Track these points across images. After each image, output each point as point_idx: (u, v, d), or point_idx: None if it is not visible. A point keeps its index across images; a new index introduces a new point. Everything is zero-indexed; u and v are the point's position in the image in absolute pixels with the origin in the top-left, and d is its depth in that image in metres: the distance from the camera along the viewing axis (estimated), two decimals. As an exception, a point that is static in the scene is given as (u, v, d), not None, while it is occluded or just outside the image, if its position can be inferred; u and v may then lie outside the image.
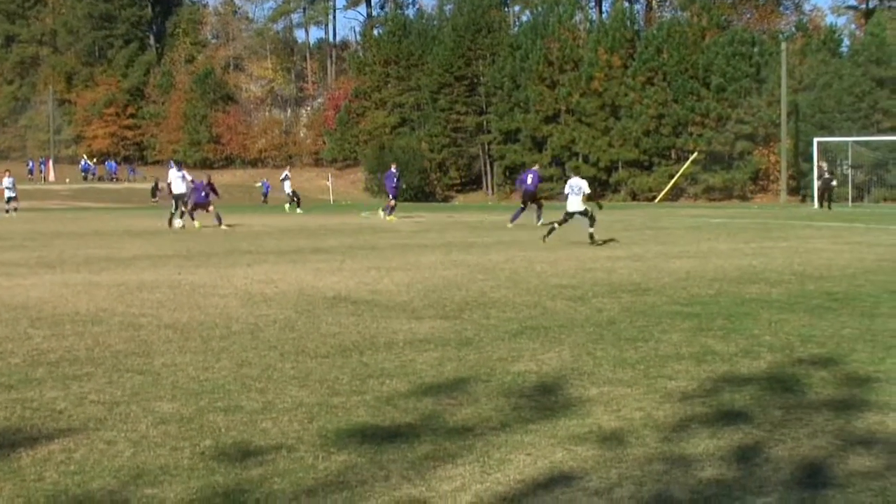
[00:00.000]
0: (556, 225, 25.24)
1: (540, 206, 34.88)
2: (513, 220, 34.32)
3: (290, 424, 6.95)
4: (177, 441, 6.54)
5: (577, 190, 25.02)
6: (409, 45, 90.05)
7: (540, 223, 32.67)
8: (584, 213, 24.93)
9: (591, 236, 24.60)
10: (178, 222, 32.12)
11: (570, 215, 25.10)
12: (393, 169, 42.27)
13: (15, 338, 10.53)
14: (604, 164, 75.89)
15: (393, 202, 40.12)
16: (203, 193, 31.91)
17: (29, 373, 8.75)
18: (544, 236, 25.18)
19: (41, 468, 6.00)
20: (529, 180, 35.12)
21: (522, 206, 35.34)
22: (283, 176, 51.94)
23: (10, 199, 45.84)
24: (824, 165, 52.84)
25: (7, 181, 46.86)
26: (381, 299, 13.67)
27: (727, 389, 7.98)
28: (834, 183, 52.66)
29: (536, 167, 40.60)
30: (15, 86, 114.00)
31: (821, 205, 50.68)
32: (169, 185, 33.31)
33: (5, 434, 6.77)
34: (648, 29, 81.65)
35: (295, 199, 49.70)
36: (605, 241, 24.98)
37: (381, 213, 40.28)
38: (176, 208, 32.31)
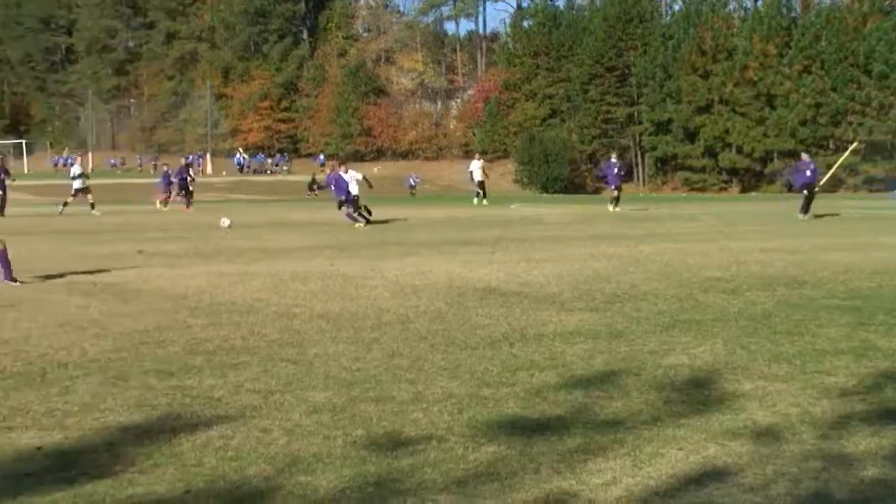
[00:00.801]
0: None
1: (810, 198, 33.13)
2: (804, 211, 32.76)
3: (441, 415, 6.98)
4: (329, 430, 6.63)
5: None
6: (559, 35, 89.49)
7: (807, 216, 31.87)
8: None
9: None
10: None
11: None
12: (613, 158, 42.07)
13: (175, 327, 10.81)
14: (758, 155, 74.37)
15: (616, 192, 39.74)
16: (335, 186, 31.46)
17: (188, 361, 8.97)
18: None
19: (200, 454, 6.15)
20: (809, 172, 33.53)
21: (809, 196, 33.30)
22: (471, 166, 50.67)
23: (76, 192, 40.10)
24: None
25: (75, 169, 42.72)
26: (530, 291, 13.65)
27: (890, 386, 7.76)
28: None
29: None
30: (175, 81, 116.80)
31: None
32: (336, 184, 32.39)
33: (166, 420, 6.96)
34: (805, 16, 79.58)
35: (480, 191, 48.54)
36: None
37: (611, 207, 39.37)
38: (355, 209, 30.93)
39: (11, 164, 61.23)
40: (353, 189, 29.77)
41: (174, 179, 45.08)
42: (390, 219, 33.08)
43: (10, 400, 7.59)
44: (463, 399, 7.44)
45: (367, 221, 29.73)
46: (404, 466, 5.87)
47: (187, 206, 42.44)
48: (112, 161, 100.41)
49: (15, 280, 14.66)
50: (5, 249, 14.76)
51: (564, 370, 8.47)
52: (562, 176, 78.76)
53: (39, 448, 6.34)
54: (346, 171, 30.35)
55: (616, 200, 39.47)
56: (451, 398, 7.47)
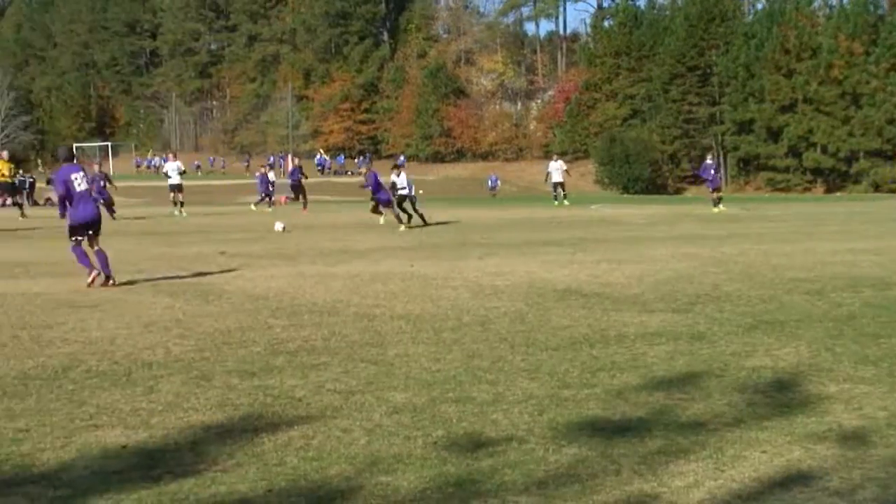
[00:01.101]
0: None
1: None
2: None
3: (521, 416, 6.97)
4: (410, 430, 6.65)
5: None
6: (640, 35, 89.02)
7: None
8: None
9: None
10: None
11: None
12: (709, 160, 41.85)
13: (257, 327, 10.91)
14: (843, 155, 73.37)
15: (715, 194, 39.47)
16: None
17: (270, 361, 9.05)
18: None
19: (282, 453, 6.20)
20: None
21: None
22: (549, 167, 50.25)
23: (173, 189, 40.35)
24: None
25: (171, 166, 41.95)
26: (611, 292, 13.57)
27: (979, 389, 7.60)
28: None
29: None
30: (257, 83, 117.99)
31: None
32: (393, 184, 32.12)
33: (249, 419, 7.02)
34: (892, 13, 78.30)
35: (560, 192, 48.16)
36: None
37: (715, 208, 39.09)
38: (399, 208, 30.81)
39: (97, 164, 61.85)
40: (404, 190, 29.65)
41: (288, 180, 45.05)
42: (470, 220, 33.10)
43: (97, 399, 7.71)
44: (543, 400, 7.42)
45: (401, 222, 29.33)
46: (484, 467, 5.86)
47: (304, 208, 42.04)
48: (196, 163, 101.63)
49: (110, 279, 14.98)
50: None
51: (646, 371, 8.41)
52: (643, 176, 78.35)
53: (125, 446, 6.43)
54: (399, 175, 30.08)
55: (718, 201, 39.17)
56: (531, 399, 7.46)
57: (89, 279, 14.77)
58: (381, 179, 30.29)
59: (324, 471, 5.87)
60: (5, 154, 39.32)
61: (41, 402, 7.65)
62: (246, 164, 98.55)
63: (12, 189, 37.62)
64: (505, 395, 7.60)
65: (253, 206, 43.04)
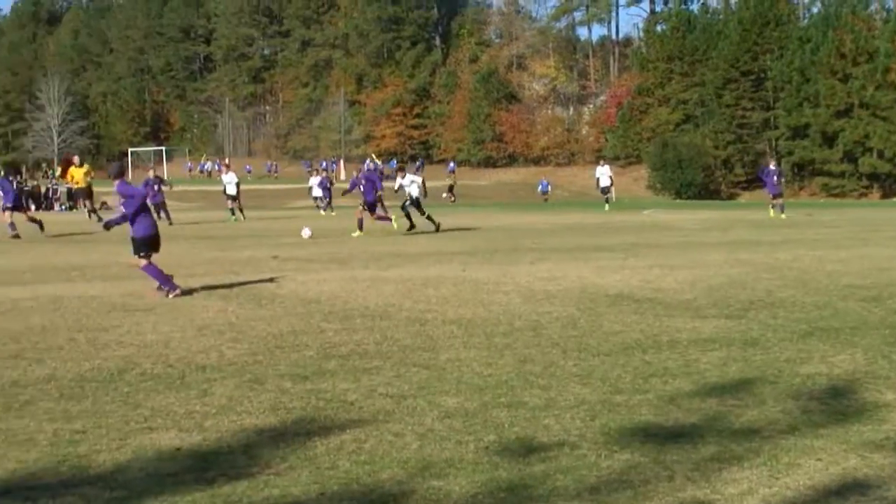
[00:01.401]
0: None
1: None
2: None
3: (573, 421, 6.96)
4: (461, 435, 6.65)
5: None
6: (693, 40, 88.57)
7: None
8: None
9: None
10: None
11: None
12: (772, 165, 41.55)
13: (309, 331, 10.96)
14: (901, 160, 72.68)
15: (776, 200, 39.12)
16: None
17: (322, 365, 9.09)
18: None
19: (334, 457, 6.23)
20: None
21: None
22: (597, 172, 50.29)
23: (229, 197, 40.31)
24: None
25: (227, 178, 41.72)
26: (663, 297, 13.50)
27: None
28: None
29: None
30: (309, 88, 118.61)
31: None
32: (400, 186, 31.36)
33: (301, 423, 7.06)
34: (951, 16, 77.50)
35: (610, 195, 48.02)
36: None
37: (773, 212, 38.72)
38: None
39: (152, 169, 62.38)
40: (414, 192, 29.25)
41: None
42: (521, 225, 33.04)
43: (151, 401, 7.78)
44: (595, 405, 7.40)
45: (411, 227, 28.95)
46: (536, 472, 5.85)
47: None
48: (247, 167, 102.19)
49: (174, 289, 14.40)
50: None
51: (698, 378, 8.36)
52: (695, 181, 77.96)
53: (179, 449, 6.49)
54: (404, 177, 29.78)
55: (780, 207, 38.76)
56: (583, 404, 7.44)
57: (176, 291, 14.23)
58: (404, 181, 29.70)
59: (376, 475, 5.89)
60: (76, 159, 39.65)
61: (97, 404, 7.74)
62: (309, 168, 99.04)
63: (89, 193, 37.51)
64: (557, 401, 7.58)
65: (323, 212, 43.43)
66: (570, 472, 5.83)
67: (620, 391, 7.87)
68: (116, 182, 15.19)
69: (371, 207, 29.14)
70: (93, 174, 38.87)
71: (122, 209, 14.88)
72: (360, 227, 28.22)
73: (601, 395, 7.76)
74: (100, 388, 8.26)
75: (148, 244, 14.64)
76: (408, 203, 29.03)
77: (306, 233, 27.33)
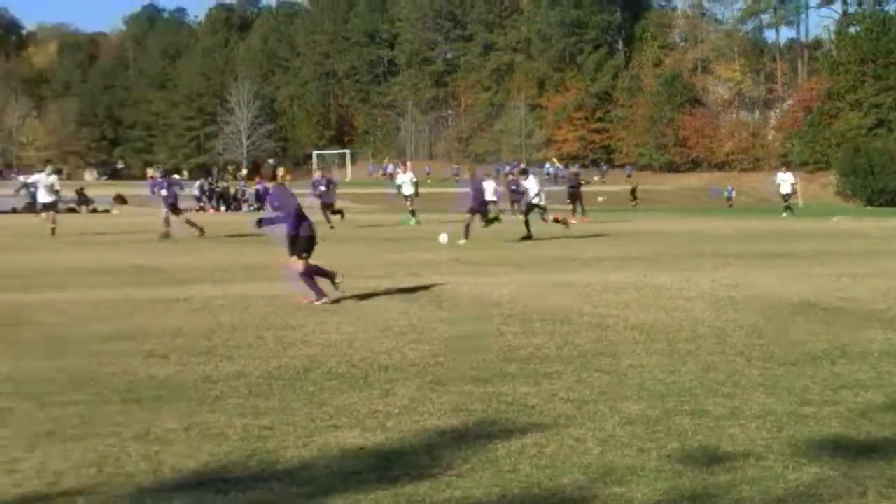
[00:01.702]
0: None
1: None
2: None
3: (759, 432, 6.82)
4: (643, 442, 6.59)
5: None
6: (888, 42, 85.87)
7: None
8: None
9: None
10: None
11: None
12: None
13: (489, 334, 11.01)
14: None
15: None
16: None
17: (503, 368, 9.12)
18: None
19: (516, 460, 6.24)
20: None
21: None
22: (777, 179, 49.15)
23: (407, 197, 39.27)
24: None
25: (403, 178, 40.65)
26: (853, 307, 13.12)
27: None
28: None
29: None
30: (491, 92, 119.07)
31: None
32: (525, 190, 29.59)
33: (482, 425, 7.09)
34: None
35: (788, 203, 46.95)
36: None
37: None
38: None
39: (335, 172, 63.47)
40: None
41: (567, 187, 44.46)
42: (704, 231, 32.54)
43: (336, 400, 7.92)
44: (782, 416, 7.24)
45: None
46: (721, 482, 5.75)
47: (583, 215, 39.94)
48: (427, 169, 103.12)
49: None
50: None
51: (892, 391, 8.10)
52: (888, 188, 75.46)
53: (362, 448, 6.59)
54: (527, 179, 29.00)
55: None
56: (769, 415, 7.28)
57: (324, 300, 13.79)
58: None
59: (557, 479, 5.87)
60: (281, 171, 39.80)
61: (284, 401, 7.92)
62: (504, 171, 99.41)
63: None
64: (742, 410, 7.44)
65: (520, 216, 42.79)
66: (755, 484, 5.71)
67: (808, 402, 7.68)
68: (270, 186, 14.82)
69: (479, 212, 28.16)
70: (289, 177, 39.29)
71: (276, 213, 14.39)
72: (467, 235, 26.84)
73: (788, 405, 7.58)
74: (287, 386, 8.46)
75: (310, 244, 14.09)
76: (531, 208, 28.35)
77: (443, 238, 26.70)
